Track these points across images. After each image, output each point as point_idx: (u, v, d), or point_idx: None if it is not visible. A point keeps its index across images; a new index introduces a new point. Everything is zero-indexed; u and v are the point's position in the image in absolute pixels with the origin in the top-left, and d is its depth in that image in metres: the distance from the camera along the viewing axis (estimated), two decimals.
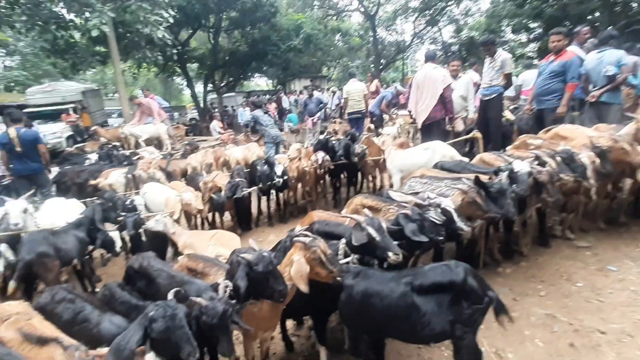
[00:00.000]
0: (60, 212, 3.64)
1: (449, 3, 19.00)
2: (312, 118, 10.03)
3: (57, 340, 1.27)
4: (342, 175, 4.98)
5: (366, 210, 2.57)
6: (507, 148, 3.89)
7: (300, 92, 16.38)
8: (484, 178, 2.39)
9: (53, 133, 10.87)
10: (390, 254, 1.67)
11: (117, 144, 8.90)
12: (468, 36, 22.20)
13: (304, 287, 1.43)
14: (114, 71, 9.83)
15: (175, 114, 27.81)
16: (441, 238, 1.92)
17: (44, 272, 2.36)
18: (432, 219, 1.89)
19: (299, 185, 4.66)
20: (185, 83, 20.15)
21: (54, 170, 6.59)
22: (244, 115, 12.52)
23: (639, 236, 3.16)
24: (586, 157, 2.60)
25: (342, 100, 8.00)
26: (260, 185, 4.07)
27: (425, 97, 4.81)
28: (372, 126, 7.55)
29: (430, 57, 4.87)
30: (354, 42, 26.26)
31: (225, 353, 1.32)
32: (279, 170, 4.05)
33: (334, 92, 14.71)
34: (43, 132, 10.57)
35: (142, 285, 1.93)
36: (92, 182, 5.73)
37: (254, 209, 4.74)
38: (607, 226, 3.32)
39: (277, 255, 1.70)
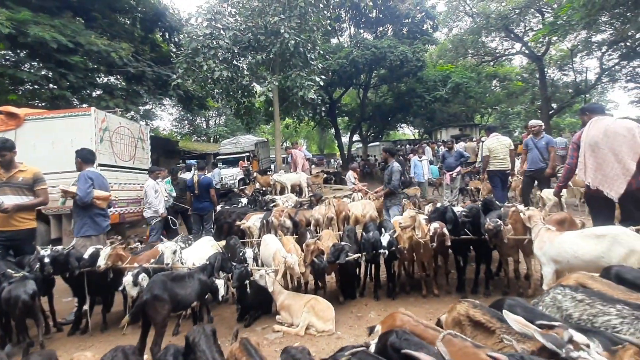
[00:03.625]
0: (204, 252, 4.23)
1: None
2: (451, 173, 9.08)
3: None
4: (469, 253, 4.07)
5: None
6: None
7: (444, 143, 15.41)
8: None
9: (231, 175, 13.77)
10: None
11: (268, 189, 10.39)
12: None
13: None
14: (274, 127, 11.79)
15: (332, 161, 31.03)
16: None
17: (154, 314, 2.71)
18: None
19: (414, 257, 4.05)
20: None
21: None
22: (419, 165, 9.76)
23: None
24: None
25: (482, 158, 6.97)
26: (364, 254, 3.73)
27: (613, 159, 3.43)
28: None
29: (600, 110, 3.59)
30: (515, 86, 23.36)
31: None
32: (384, 239, 3.62)
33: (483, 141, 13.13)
34: (224, 175, 13.61)
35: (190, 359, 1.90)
36: (238, 223, 6.71)
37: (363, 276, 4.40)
38: None
39: None
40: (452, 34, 23.01)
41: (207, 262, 3.60)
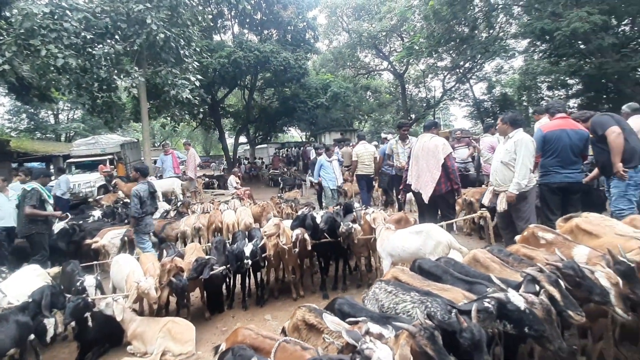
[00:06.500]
0: (27, 286, 3.40)
1: (477, 61, 18.92)
2: None
3: None
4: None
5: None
6: (516, 238, 3.23)
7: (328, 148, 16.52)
8: (460, 304, 1.79)
9: (86, 182, 11.61)
10: None
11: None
12: (501, 93, 21.75)
13: None
14: (142, 128, 10.52)
15: (214, 164, 29.37)
16: None
17: None
18: None
19: (281, 263, 4.20)
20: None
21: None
22: (327, 167, 7.30)
23: None
24: (605, 277, 1.93)
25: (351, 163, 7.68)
26: (229, 266, 3.69)
27: (426, 169, 4.34)
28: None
29: (427, 127, 4.48)
30: (384, 98, 26.82)
31: None
32: (248, 249, 3.65)
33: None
34: (77, 182, 11.40)
35: None
36: (88, 241, 5.69)
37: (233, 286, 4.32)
38: None
39: None
40: (332, 46, 24.93)
41: (30, 299, 2.95)
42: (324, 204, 7.47)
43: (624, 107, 5.01)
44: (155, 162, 11.05)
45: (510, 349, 2.04)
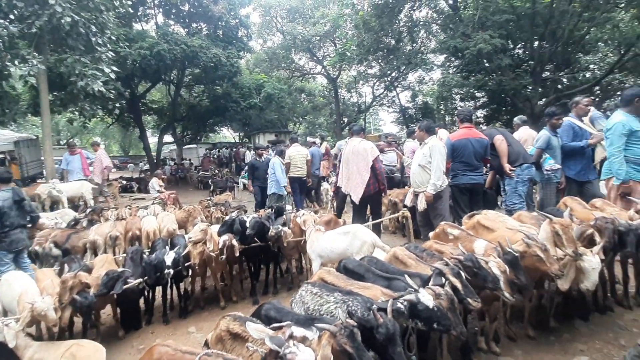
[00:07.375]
0: None
1: (402, 72, 20.48)
2: None
3: None
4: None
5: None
6: (430, 234, 3.56)
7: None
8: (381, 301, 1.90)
9: None
10: None
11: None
12: (423, 101, 23.84)
13: None
14: (42, 123, 9.09)
15: (131, 165, 26.60)
16: None
17: None
18: None
19: (207, 271, 4.00)
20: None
21: None
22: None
23: (570, 347, 2.77)
24: (496, 266, 2.24)
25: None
26: (146, 278, 3.38)
27: (356, 171, 4.54)
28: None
29: (356, 132, 4.70)
30: (318, 101, 27.39)
31: None
32: (169, 258, 3.40)
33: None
34: None
35: None
36: None
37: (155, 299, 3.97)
38: (538, 332, 2.92)
39: None
40: (266, 46, 24.63)
41: None
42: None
43: (516, 119, 5.92)
44: (60, 162, 9.64)
45: (423, 337, 2.25)
